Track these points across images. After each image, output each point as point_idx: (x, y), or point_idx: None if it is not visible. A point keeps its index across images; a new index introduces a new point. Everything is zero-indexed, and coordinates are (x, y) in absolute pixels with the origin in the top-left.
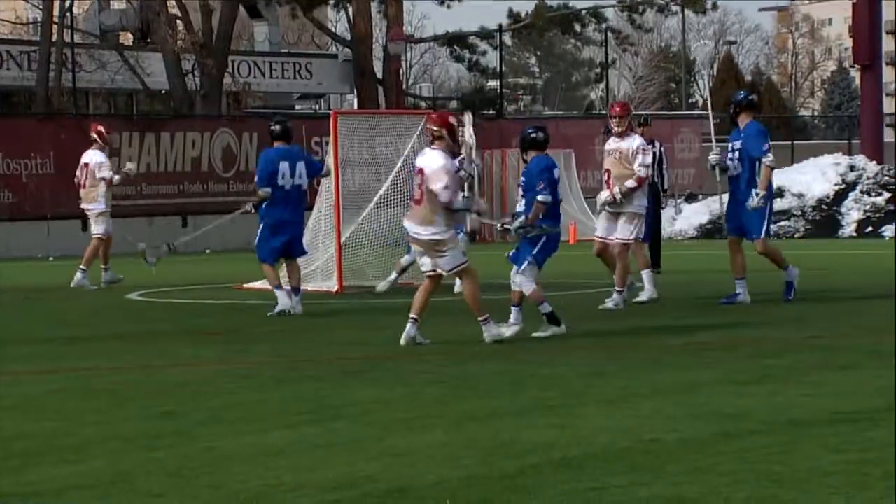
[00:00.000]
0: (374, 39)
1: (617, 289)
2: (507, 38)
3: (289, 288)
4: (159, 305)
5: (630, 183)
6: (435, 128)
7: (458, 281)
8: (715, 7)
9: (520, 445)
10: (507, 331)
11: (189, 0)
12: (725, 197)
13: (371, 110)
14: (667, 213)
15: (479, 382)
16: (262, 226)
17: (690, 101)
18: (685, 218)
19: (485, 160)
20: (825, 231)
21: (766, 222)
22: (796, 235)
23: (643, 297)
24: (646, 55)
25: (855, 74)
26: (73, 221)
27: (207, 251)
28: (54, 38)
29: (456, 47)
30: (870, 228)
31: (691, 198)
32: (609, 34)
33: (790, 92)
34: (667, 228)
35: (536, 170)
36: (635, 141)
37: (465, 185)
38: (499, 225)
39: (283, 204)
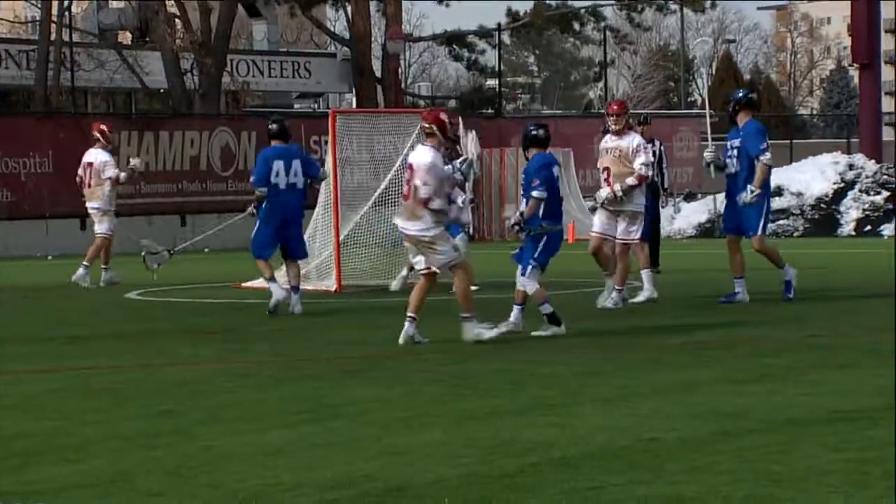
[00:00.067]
0: (372, 38)
1: (616, 287)
2: (505, 37)
3: (287, 287)
4: (158, 304)
5: (631, 180)
6: (426, 125)
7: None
8: (714, 5)
9: (519, 444)
10: (487, 333)
11: None
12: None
13: (370, 109)
14: (666, 212)
15: (478, 381)
16: (258, 223)
17: (689, 99)
18: (684, 217)
19: (483, 160)
20: (824, 230)
21: (763, 220)
22: (795, 234)
23: (642, 296)
24: (644, 54)
25: (854, 73)
26: (72, 220)
27: (206, 250)
28: (53, 37)
29: (455, 46)
30: (868, 227)
31: (690, 197)
32: (608, 33)
33: (789, 91)
34: (666, 227)
35: (534, 167)
36: (635, 139)
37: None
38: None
39: (278, 202)
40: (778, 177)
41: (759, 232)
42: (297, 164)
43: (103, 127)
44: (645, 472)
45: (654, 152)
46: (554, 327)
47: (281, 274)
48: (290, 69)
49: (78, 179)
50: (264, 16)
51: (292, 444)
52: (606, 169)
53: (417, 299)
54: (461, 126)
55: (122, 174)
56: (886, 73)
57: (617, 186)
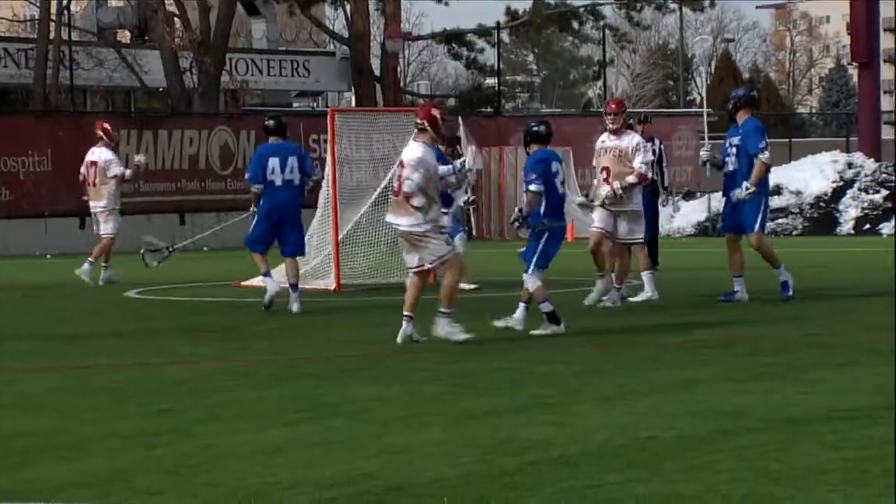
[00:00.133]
0: (371, 37)
1: (615, 286)
2: (504, 36)
3: (277, 282)
4: (157, 303)
5: (631, 178)
6: (418, 121)
7: None
8: (713, 4)
9: (518, 443)
10: (460, 335)
11: None
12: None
13: (369, 108)
14: (665, 211)
15: (477, 380)
16: (255, 218)
17: (688, 98)
18: (683, 215)
19: (482, 159)
20: (823, 228)
21: (761, 217)
22: (794, 233)
23: (642, 296)
24: (644, 52)
25: (853, 72)
26: (71, 219)
27: (205, 249)
28: (52, 35)
29: (454, 45)
30: (867, 226)
31: (689, 195)
32: (607, 31)
33: (788, 89)
34: (664, 226)
35: (531, 161)
36: (634, 138)
37: (468, 189)
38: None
39: (274, 199)
40: (777, 175)
41: (757, 228)
42: (292, 161)
43: (106, 125)
44: (643, 471)
45: (653, 151)
46: (553, 326)
47: (280, 272)
48: (289, 68)
49: (81, 178)
50: (263, 14)
51: (291, 443)
52: (606, 169)
53: (413, 298)
54: (464, 136)
55: (128, 171)
56: (885, 71)
57: (616, 184)
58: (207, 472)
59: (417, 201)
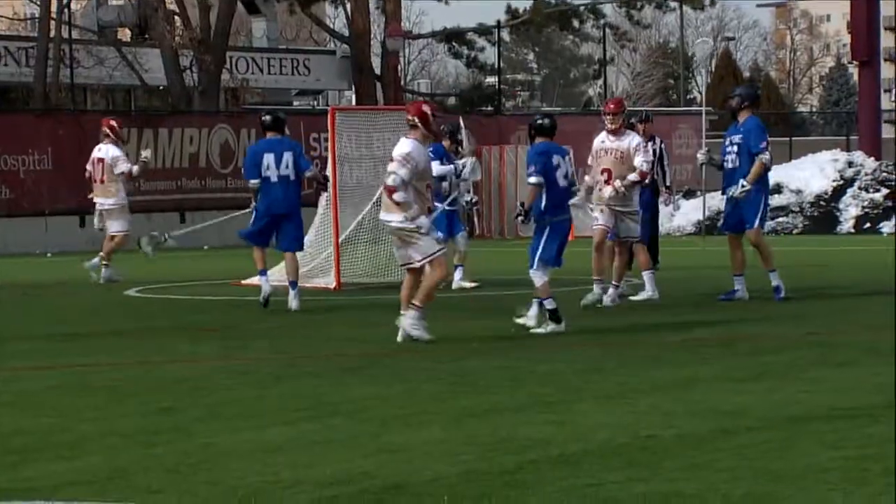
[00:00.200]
0: (372, 35)
1: (614, 283)
2: (505, 35)
3: (277, 281)
4: (157, 301)
5: (633, 176)
6: (409, 117)
7: (456, 276)
8: (713, 3)
9: (518, 441)
10: (425, 335)
11: None
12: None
13: (369, 106)
14: (665, 210)
15: (477, 378)
16: (253, 213)
17: (688, 97)
18: (683, 214)
19: (482, 158)
20: (823, 227)
21: (761, 215)
22: (794, 232)
23: (643, 295)
24: (644, 51)
25: (853, 71)
26: (71, 217)
27: (205, 247)
28: (52, 34)
29: (454, 43)
30: (868, 225)
31: (689, 194)
32: (607, 30)
33: (788, 88)
34: (665, 225)
35: (532, 154)
36: (634, 139)
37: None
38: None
39: (270, 194)
40: (777, 174)
41: (757, 224)
42: (288, 157)
43: (113, 122)
44: (644, 470)
45: (654, 150)
46: (553, 324)
47: (279, 270)
48: (289, 66)
49: (87, 174)
50: (263, 13)
51: (291, 442)
52: (607, 171)
53: (408, 296)
54: (465, 139)
55: (135, 168)
56: (886, 70)
57: (617, 183)
58: (207, 471)
59: (399, 196)
